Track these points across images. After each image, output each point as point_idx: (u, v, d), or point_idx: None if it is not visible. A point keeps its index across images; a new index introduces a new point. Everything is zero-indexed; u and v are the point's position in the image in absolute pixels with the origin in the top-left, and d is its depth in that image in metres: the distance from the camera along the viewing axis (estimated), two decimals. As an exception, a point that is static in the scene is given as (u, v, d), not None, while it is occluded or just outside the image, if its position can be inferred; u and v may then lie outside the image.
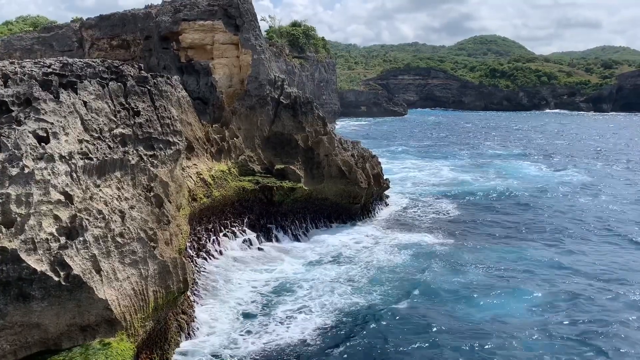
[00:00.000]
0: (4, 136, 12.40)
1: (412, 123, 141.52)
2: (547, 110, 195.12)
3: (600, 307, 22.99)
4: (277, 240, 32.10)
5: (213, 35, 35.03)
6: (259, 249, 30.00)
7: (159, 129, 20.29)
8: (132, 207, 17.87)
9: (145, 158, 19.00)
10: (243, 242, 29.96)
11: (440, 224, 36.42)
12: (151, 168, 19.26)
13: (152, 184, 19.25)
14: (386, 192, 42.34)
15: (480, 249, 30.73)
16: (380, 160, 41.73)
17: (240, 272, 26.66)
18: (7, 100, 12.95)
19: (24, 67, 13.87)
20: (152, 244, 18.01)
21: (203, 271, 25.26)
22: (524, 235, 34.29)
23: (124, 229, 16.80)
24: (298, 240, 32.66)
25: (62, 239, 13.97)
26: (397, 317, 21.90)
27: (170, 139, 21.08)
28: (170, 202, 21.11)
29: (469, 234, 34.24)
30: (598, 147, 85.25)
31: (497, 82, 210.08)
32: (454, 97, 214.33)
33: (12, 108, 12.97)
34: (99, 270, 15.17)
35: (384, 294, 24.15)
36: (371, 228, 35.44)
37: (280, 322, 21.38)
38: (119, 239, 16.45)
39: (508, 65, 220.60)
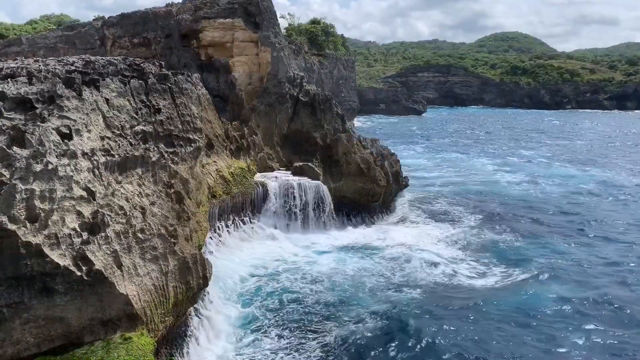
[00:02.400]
0: (28, 133, 12.62)
1: (432, 121, 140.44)
2: (570, 109, 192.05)
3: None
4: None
5: (233, 33, 35.21)
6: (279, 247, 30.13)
7: (180, 126, 20.48)
8: (152, 204, 18.06)
9: (165, 155, 19.16)
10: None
11: (460, 223, 36.15)
12: (171, 165, 19.44)
13: (172, 181, 19.44)
14: (405, 191, 42.13)
15: (504, 249, 30.55)
16: (399, 158, 41.58)
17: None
18: (31, 97, 13.16)
19: (47, 65, 14.10)
20: (172, 240, 18.17)
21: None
22: (555, 234, 33.94)
23: (145, 225, 16.99)
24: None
25: (85, 235, 14.15)
26: (426, 315, 22.10)
27: (191, 136, 21.27)
28: (190, 199, 21.30)
29: (490, 232, 33.92)
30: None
31: (518, 80, 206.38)
32: (475, 94, 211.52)
33: (37, 105, 13.18)
34: (120, 266, 15.36)
35: (408, 291, 24.31)
36: (390, 227, 35.30)
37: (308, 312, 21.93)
38: (139, 235, 16.63)
39: (530, 62, 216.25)
